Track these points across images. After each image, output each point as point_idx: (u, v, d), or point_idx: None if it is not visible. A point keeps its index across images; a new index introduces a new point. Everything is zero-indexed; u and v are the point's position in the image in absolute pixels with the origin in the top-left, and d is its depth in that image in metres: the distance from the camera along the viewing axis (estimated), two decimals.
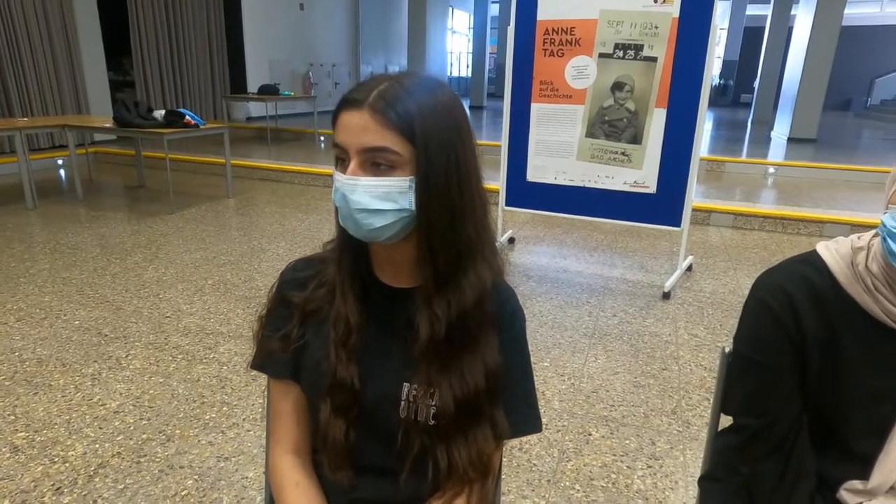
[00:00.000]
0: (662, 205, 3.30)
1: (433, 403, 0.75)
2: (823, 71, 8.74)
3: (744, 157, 7.52)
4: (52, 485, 1.66)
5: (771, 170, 6.84)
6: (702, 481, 1.01)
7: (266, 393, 0.88)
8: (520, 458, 1.84)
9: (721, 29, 19.17)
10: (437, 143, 0.68)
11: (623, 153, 3.33)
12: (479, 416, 0.75)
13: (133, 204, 5.11)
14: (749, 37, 17.71)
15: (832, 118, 13.97)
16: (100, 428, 1.93)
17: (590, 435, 1.98)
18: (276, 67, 10.77)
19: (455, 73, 21.57)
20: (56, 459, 1.77)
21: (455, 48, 20.78)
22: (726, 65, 19.81)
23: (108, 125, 4.87)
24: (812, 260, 0.83)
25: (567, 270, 3.64)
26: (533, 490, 1.70)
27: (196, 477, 1.72)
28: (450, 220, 0.71)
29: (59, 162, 6.52)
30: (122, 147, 7.05)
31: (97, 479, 1.69)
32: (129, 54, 8.25)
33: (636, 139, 3.27)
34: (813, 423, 0.84)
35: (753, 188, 6.12)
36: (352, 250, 0.78)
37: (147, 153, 5.98)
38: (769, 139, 9.60)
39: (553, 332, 2.74)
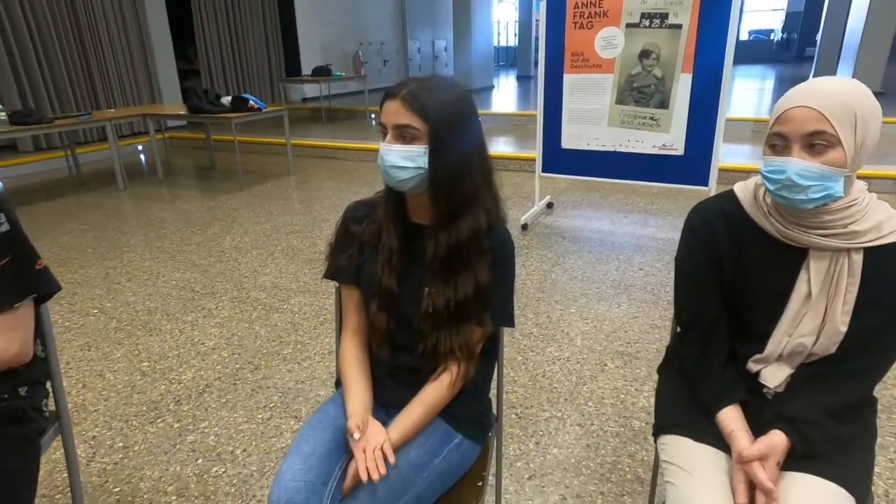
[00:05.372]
0: (690, 166, 3.49)
1: (435, 301, 1.08)
2: (890, 17, 8.26)
3: None
4: (174, 398, 2.14)
5: None
6: (659, 369, 1.32)
7: (336, 299, 1.26)
8: (542, 382, 2.18)
9: None
10: (444, 125, 1.02)
11: (651, 118, 3.52)
12: (468, 316, 1.09)
13: (207, 183, 5.67)
14: None
15: None
16: (202, 360, 2.41)
17: (605, 365, 2.29)
18: (328, 49, 11.21)
19: (503, 43, 21.43)
20: (173, 381, 2.25)
21: (502, 17, 20.62)
22: (790, 17, 18.81)
23: (182, 112, 5.42)
24: (729, 195, 1.11)
25: (601, 231, 3.89)
26: (552, 405, 2.04)
27: (280, 394, 2.15)
28: (451, 179, 1.04)
29: (140, 147, 7.21)
30: (193, 132, 7.69)
31: (206, 395, 2.16)
32: (194, 45, 8.87)
33: (664, 104, 3.45)
34: (730, 316, 1.13)
35: None
36: (394, 198, 1.13)
37: (215, 136, 6.55)
38: None
39: (581, 284, 3.03)
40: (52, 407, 1.29)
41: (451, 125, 1.02)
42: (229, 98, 5.34)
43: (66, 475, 1.76)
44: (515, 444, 1.86)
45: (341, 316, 1.23)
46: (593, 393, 2.11)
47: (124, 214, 4.56)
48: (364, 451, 0.99)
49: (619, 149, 3.68)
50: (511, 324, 1.16)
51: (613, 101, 3.61)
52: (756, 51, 18.42)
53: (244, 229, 4.10)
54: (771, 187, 0.97)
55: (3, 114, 4.56)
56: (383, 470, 0.97)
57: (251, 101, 5.25)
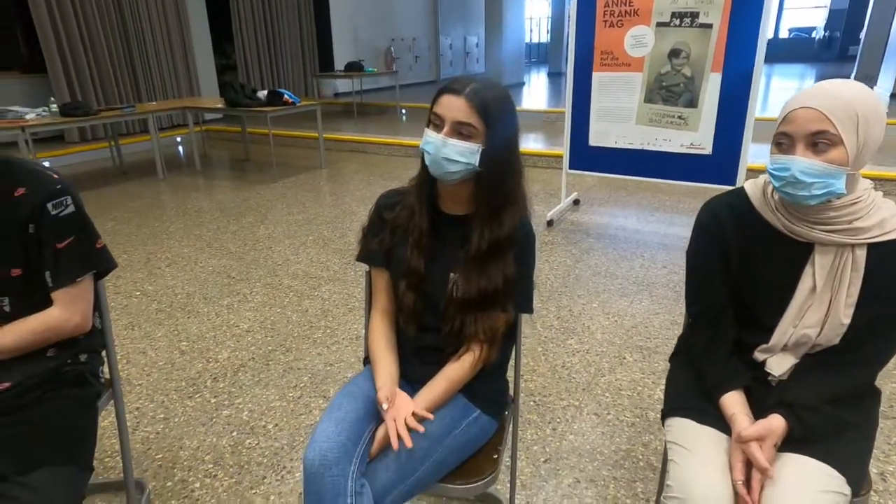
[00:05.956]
0: (718, 165, 3.49)
1: (466, 288, 1.16)
2: None
3: None
4: (210, 376, 2.27)
5: None
6: (670, 358, 1.37)
7: (366, 282, 1.35)
8: (561, 372, 2.25)
9: None
10: (499, 126, 1.10)
11: (680, 117, 3.53)
12: (494, 303, 1.17)
13: (241, 174, 5.85)
14: None
15: None
16: (237, 341, 2.54)
17: (624, 359, 2.34)
18: (361, 44, 11.37)
19: (535, 39, 21.33)
20: (210, 360, 2.39)
21: (534, 13, 20.50)
22: (833, 14, 18.18)
23: (220, 106, 5.61)
24: (738, 192, 1.17)
25: (626, 228, 3.92)
26: (570, 394, 2.11)
27: (310, 375, 2.27)
28: (498, 175, 1.13)
29: (178, 139, 7.47)
30: (229, 125, 7.92)
31: (240, 374, 2.28)
32: (231, 41, 9.11)
33: (692, 103, 3.46)
34: (738, 307, 1.18)
35: None
36: (427, 186, 1.21)
37: (251, 129, 6.74)
38: None
39: (604, 280, 3.08)
40: (106, 375, 1.42)
41: (503, 127, 1.10)
42: (265, 92, 5.51)
43: (113, 441, 1.90)
44: (533, 430, 1.93)
45: (371, 298, 1.32)
46: (611, 384, 2.17)
47: (164, 203, 4.76)
48: (395, 421, 1.08)
49: (646, 147, 3.69)
50: (530, 310, 1.23)
51: (642, 100, 3.63)
52: (796, 49, 17.92)
53: (277, 219, 4.24)
54: (776, 184, 1.02)
55: (55, 106, 4.80)
56: (410, 442, 1.05)
57: (286, 96, 5.41)
